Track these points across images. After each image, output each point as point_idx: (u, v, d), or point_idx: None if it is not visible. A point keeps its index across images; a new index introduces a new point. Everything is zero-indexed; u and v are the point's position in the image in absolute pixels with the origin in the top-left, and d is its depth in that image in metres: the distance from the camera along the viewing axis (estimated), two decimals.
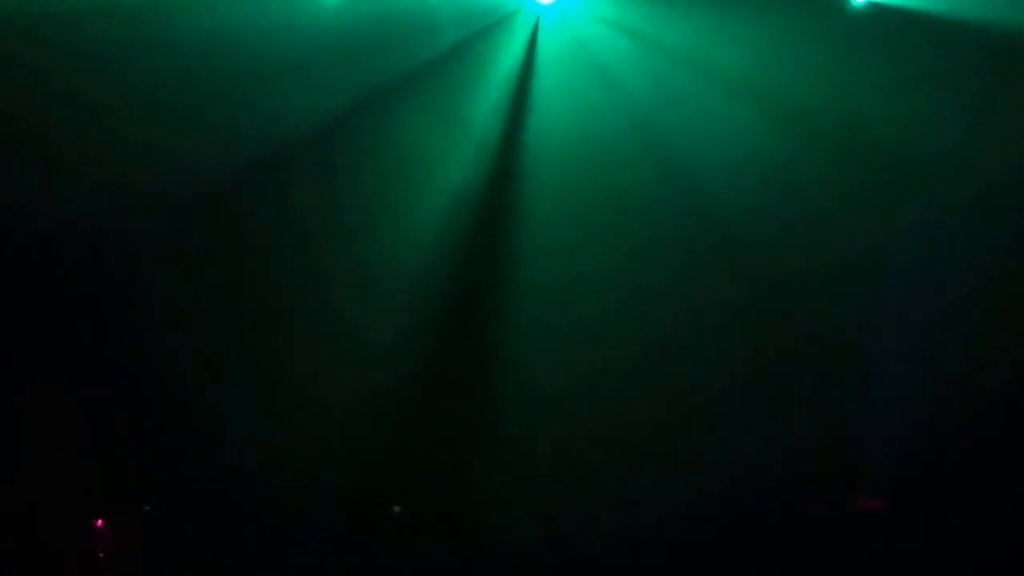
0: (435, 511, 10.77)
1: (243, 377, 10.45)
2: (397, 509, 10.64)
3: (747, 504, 10.53)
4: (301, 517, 10.11)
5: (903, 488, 10.59)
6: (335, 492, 10.48)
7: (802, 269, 11.05)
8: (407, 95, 10.85)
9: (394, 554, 10.48)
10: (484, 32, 10.88)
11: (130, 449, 9.74)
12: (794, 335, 10.98)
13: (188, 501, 9.81)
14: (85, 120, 9.96)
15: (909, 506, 10.50)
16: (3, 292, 9.77)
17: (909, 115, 10.77)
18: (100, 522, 9.26)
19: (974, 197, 10.72)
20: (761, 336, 11.02)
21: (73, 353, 9.86)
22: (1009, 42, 10.46)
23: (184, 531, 9.62)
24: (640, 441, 10.82)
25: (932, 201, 10.86)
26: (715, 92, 10.99)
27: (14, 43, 9.64)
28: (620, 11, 10.85)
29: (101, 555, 9.22)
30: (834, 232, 11.03)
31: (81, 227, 10.04)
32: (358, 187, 10.99)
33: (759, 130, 11.02)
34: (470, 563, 10.55)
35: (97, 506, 9.38)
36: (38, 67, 9.74)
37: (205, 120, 10.31)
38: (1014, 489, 10.23)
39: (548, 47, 10.97)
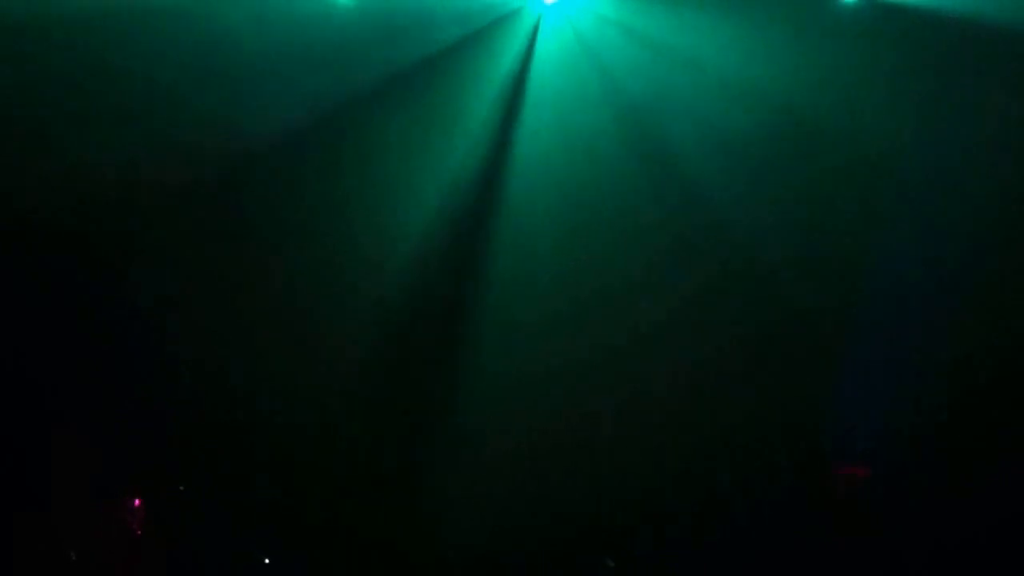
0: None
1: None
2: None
3: (736, 496, 10.80)
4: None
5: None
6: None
7: (791, 261, 11.32)
8: (404, 91, 11.14)
9: None
10: (485, 30, 11.21)
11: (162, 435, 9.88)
12: (782, 327, 11.24)
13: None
14: (77, 114, 10.27)
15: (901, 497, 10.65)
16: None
17: (900, 112, 11.04)
18: (137, 501, 9.35)
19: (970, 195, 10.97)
20: (751, 328, 11.30)
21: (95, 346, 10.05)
22: (1005, 39, 10.69)
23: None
24: (627, 432, 11.10)
25: (925, 197, 11.10)
26: (715, 92, 11.24)
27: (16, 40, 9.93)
28: (623, 10, 11.20)
29: (138, 532, 9.30)
30: (825, 227, 11.32)
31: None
32: (352, 182, 11.23)
33: (759, 130, 11.27)
34: None
35: (133, 485, 9.45)
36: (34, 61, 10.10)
37: (196, 115, 10.60)
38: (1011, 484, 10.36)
39: (548, 46, 11.30)
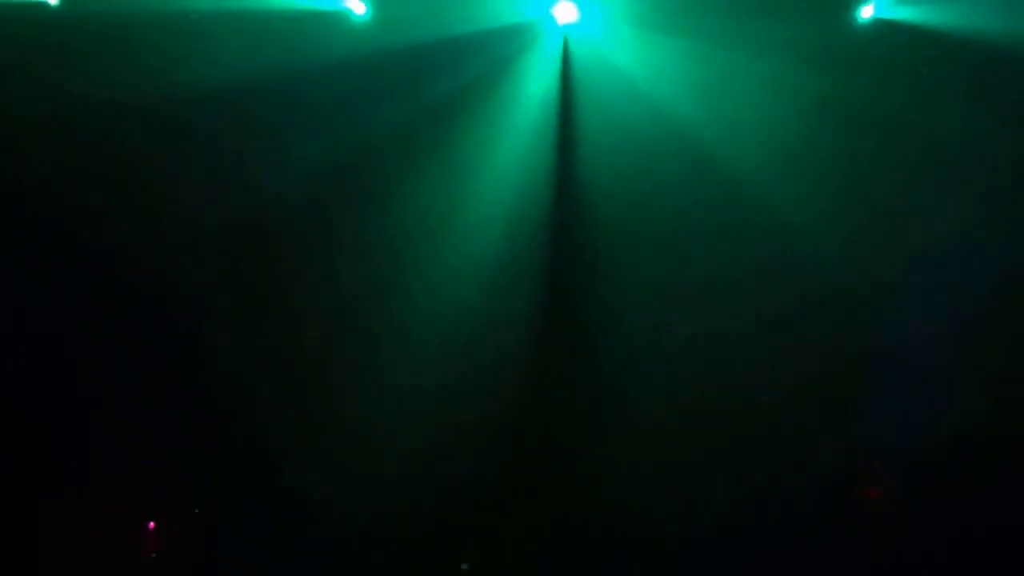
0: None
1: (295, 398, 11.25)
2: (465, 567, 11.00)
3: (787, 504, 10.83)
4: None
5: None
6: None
7: (842, 259, 11.26)
8: (443, 123, 11.48)
9: None
10: (510, 59, 11.39)
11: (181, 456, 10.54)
12: (836, 332, 11.20)
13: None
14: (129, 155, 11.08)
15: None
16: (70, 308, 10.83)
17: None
18: (152, 524, 10.03)
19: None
20: (805, 332, 11.24)
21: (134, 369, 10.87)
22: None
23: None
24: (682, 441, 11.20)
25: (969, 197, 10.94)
26: (745, 92, 11.23)
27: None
28: (644, 21, 11.20)
29: (152, 555, 9.97)
30: (877, 227, 11.23)
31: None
32: (405, 212, 11.60)
33: (797, 128, 11.21)
34: None
35: (150, 509, 10.14)
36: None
37: (249, 154, 11.25)
38: None
39: (578, 65, 11.40)
